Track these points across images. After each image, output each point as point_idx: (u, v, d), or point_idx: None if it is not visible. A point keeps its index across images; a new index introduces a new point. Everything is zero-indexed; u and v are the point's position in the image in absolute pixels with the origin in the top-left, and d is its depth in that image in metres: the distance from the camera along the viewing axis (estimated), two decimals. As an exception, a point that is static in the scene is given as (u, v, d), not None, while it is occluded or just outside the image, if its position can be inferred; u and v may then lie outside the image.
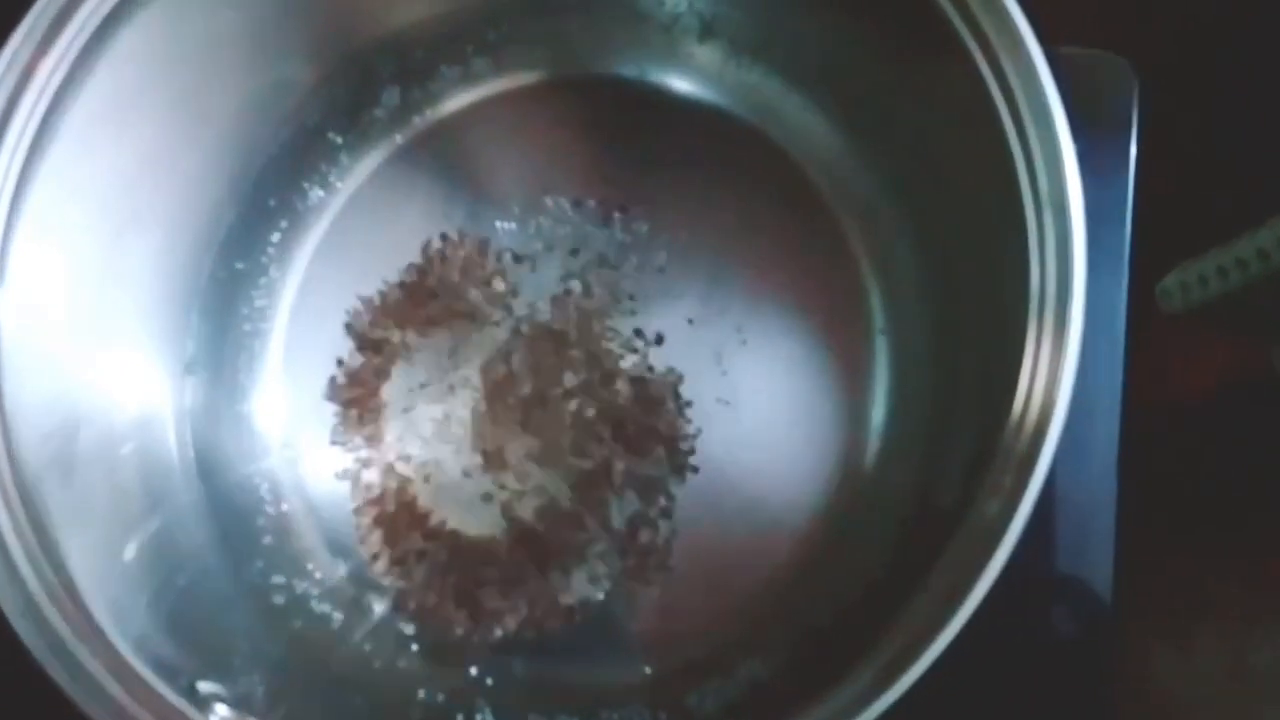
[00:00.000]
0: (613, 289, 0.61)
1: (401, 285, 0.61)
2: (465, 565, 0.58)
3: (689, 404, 0.60)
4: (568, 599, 0.58)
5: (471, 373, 0.60)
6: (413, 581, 0.59)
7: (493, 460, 0.59)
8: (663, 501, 0.59)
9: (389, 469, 0.60)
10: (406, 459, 0.60)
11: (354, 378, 0.61)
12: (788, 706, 0.44)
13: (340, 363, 0.61)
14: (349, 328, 0.61)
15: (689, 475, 0.59)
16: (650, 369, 0.60)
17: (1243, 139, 0.74)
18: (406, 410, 0.60)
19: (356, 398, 0.61)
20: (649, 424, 0.59)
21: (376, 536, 0.59)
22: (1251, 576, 0.77)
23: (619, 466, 0.58)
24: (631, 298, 0.61)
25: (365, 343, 0.61)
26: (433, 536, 0.59)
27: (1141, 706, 0.75)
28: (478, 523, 0.59)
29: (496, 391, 0.59)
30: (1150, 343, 0.63)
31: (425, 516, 0.59)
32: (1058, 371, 0.44)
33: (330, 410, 0.61)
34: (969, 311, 0.54)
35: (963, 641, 0.42)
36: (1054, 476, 0.56)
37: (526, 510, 0.59)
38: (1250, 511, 0.76)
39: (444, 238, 0.62)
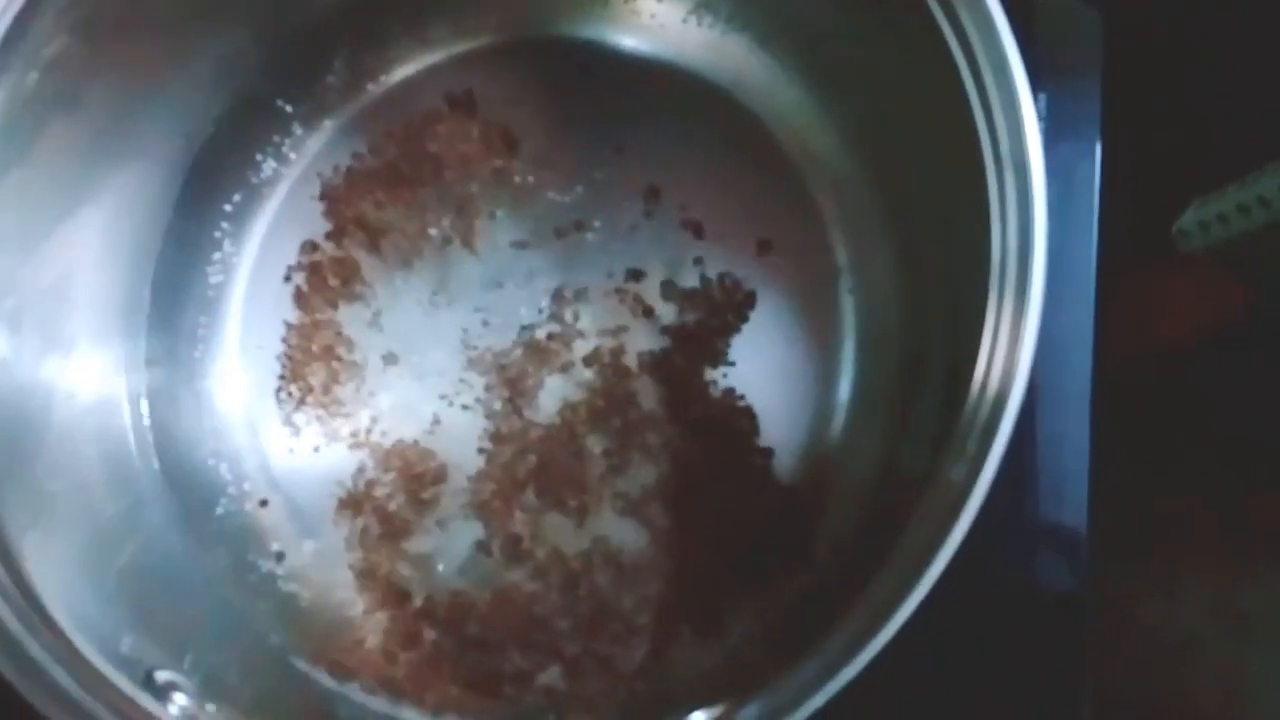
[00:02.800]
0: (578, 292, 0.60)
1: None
2: (478, 643, 0.57)
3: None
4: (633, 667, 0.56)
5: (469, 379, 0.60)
6: (398, 669, 0.57)
7: (510, 550, 0.58)
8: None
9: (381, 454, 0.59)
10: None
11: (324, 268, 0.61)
12: (759, 674, 0.44)
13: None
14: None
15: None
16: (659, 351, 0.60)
17: (1217, 85, 0.74)
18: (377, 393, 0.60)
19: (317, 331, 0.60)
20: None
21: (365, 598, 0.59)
22: (1234, 521, 0.77)
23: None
24: (611, 273, 0.60)
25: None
26: (429, 615, 0.58)
27: (1125, 651, 0.76)
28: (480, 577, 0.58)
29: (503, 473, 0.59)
30: (1135, 288, 0.63)
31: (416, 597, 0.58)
32: (1020, 333, 0.43)
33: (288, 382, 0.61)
34: (933, 272, 0.53)
35: (947, 589, 0.42)
36: (1033, 426, 0.57)
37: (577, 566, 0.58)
38: (1232, 456, 0.76)
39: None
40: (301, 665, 0.56)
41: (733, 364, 0.59)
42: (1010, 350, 0.43)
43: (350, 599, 0.58)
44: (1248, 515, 0.77)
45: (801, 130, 0.60)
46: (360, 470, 0.59)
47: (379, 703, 0.56)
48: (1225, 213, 0.58)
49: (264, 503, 0.59)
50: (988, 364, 0.43)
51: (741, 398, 0.59)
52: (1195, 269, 0.66)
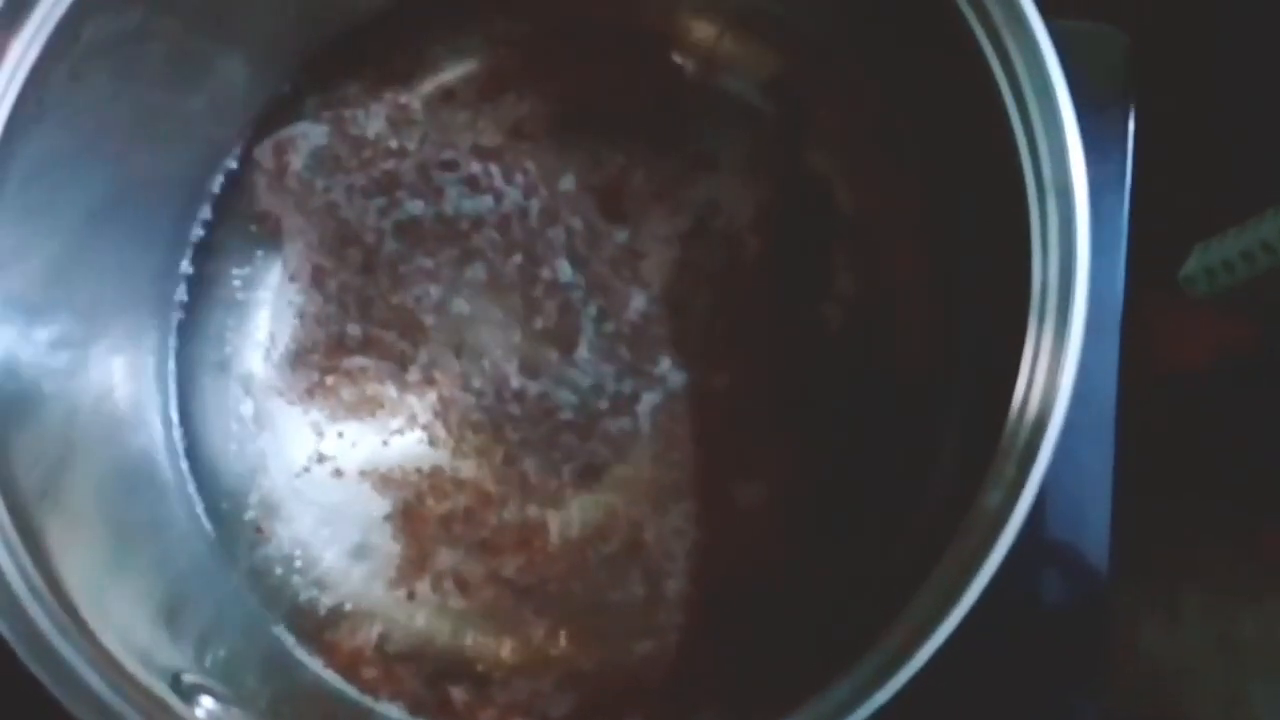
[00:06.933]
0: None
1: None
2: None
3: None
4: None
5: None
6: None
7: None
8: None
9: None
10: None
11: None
12: (786, 703, 0.44)
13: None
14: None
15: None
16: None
17: (1243, 109, 0.74)
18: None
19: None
20: None
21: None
22: (1240, 548, 0.78)
23: None
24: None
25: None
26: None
27: (1128, 677, 0.76)
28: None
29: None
30: (1147, 315, 0.63)
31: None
32: (1060, 360, 0.43)
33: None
34: (970, 296, 0.54)
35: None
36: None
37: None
38: (1240, 484, 0.77)
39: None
40: (319, 670, 0.56)
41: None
42: (1050, 374, 0.43)
43: (379, 604, 0.58)
44: (1253, 544, 0.78)
45: (837, 155, 0.59)
46: (414, 492, 0.59)
47: (402, 714, 0.56)
48: (1229, 259, 0.58)
49: (287, 508, 0.59)
50: (1027, 388, 0.43)
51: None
52: (1214, 305, 0.67)
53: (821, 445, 0.58)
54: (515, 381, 0.59)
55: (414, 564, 0.58)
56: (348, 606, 0.58)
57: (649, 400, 0.59)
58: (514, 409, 0.59)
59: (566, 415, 0.59)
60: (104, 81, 0.49)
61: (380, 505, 0.59)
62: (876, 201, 0.59)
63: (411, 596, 0.58)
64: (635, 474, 0.59)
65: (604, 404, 0.59)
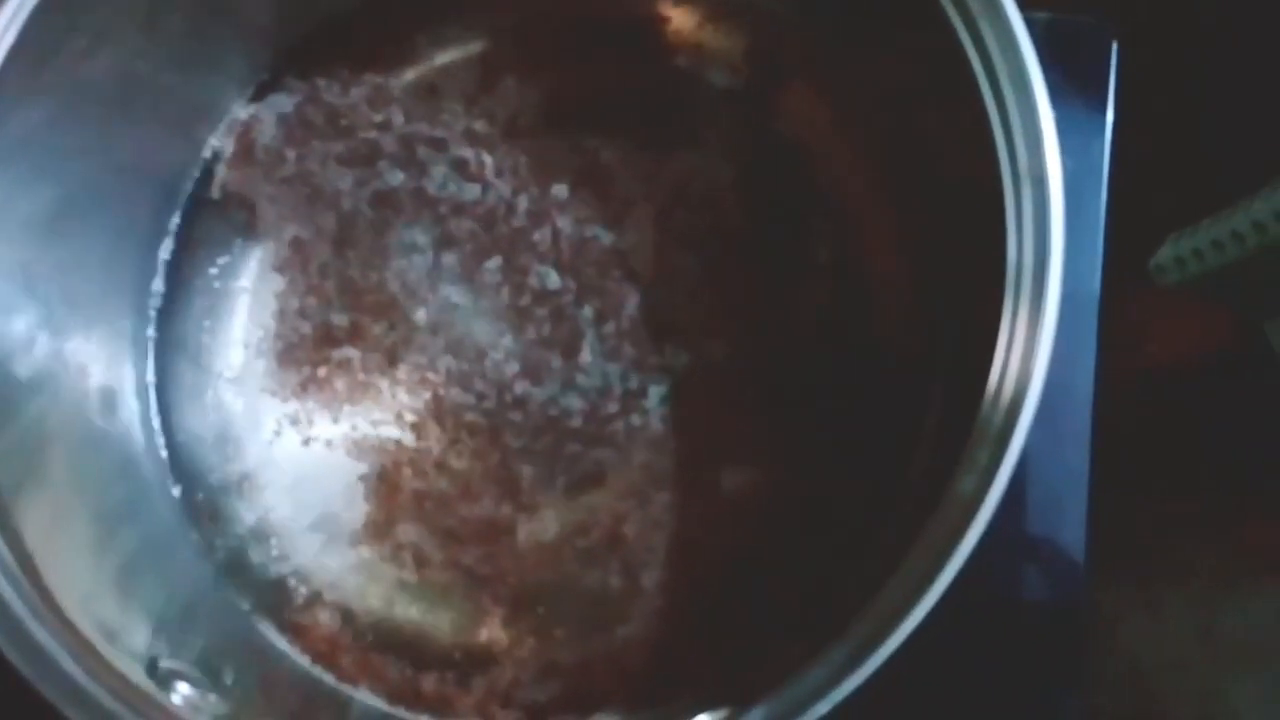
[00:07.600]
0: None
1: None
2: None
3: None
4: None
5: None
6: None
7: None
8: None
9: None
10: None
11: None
12: (763, 687, 0.44)
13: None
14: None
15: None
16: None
17: (1222, 104, 0.74)
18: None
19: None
20: None
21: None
22: (1222, 543, 0.78)
23: None
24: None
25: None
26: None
27: (1109, 671, 0.76)
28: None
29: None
30: (1128, 310, 0.63)
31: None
32: (1034, 348, 0.43)
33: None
34: (945, 284, 0.54)
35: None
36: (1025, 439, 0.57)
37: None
38: (1222, 478, 0.77)
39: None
40: (296, 657, 0.56)
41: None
42: (1025, 360, 0.43)
43: (341, 569, 0.58)
44: (1233, 539, 0.78)
45: (815, 140, 0.59)
46: (392, 461, 0.59)
47: (378, 702, 0.56)
48: (1200, 248, 0.58)
49: (266, 495, 0.59)
50: (1001, 372, 0.44)
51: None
52: (1184, 293, 0.67)
53: (809, 428, 0.58)
54: (518, 388, 0.59)
55: (379, 527, 0.58)
56: (314, 577, 0.58)
57: (656, 393, 0.59)
58: (516, 416, 0.59)
59: (575, 422, 0.58)
60: (106, 61, 0.50)
61: (356, 468, 0.59)
62: (851, 182, 0.59)
63: (370, 559, 0.58)
64: (630, 471, 0.58)
65: (613, 406, 0.59)
